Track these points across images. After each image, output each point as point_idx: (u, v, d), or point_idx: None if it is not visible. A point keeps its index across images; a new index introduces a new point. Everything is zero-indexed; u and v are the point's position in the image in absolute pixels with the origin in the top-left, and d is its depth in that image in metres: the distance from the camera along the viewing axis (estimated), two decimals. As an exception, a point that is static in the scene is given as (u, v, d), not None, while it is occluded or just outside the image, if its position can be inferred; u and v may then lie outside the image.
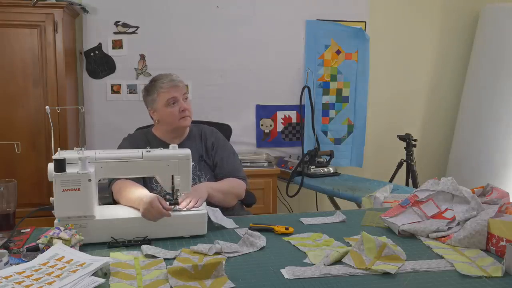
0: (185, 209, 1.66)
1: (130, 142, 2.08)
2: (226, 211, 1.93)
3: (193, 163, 1.99)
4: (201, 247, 1.49)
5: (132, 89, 3.27)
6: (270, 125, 3.54)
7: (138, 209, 1.62)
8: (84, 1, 3.11)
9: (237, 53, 3.38)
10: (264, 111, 3.52)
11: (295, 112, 3.56)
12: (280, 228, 1.68)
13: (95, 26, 3.15)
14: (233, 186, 2.02)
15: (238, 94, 3.43)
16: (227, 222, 1.74)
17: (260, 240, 1.55)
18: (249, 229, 1.64)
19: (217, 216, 1.74)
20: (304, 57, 3.50)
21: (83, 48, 3.17)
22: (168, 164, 1.69)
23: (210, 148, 2.11)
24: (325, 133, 3.65)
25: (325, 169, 3.28)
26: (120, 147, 2.08)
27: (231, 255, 1.46)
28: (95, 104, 3.21)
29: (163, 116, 2.05)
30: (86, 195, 1.52)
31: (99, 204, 1.71)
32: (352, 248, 1.44)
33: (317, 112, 3.55)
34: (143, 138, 2.11)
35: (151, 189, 1.97)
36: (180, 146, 1.85)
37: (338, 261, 1.40)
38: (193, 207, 1.68)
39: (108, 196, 1.98)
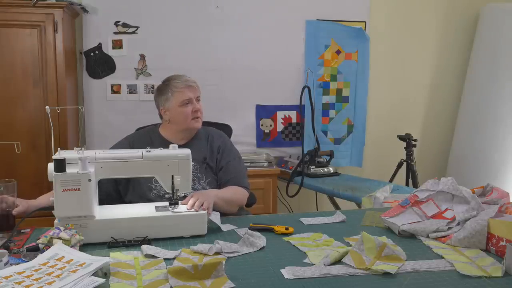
0: (192, 209, 1.66)
1: (129, 141, 2.07)
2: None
3: (195, 164, 1.99)
4: (201, 247, 1.49)
5: (132, 89, 3.26)
6: (270, 125, 3.54)
7: None
8: (84, 1, 3.11)
9: (237, 53, 3.38)
10: (264, 111, 3.52)
11: (295, 112, 3.56)
12: (280, 228, 1.68)
13: (95, 26, 3.15)
14: (236, 195, 2.00)
15: (238, 94, 3.43)
16: (223, 225, 1.74)
17: (260, 240, 1.55)
18: (249, 229, 1.64)
19: (217, 218, 1.74)
20: (304, 57, 3.50)
21: (83, 48, 3.17)
22: (168, 164, 1.69)
23: (215, 151, 2.09)
24: (325, 133, 3.65)
25: (325, 169, 3.28)
26: (117, 144, 2.08)
27: (231, 255, 1.46)
28: (95, 104, 3.21)
29: (176, 116, 2.04)
30: (86, 195, 1.52)
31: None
32: (352, 248, 1.44)
33: (317, 112, 3.55)
34: (146, 137, 2.10)
35: (149, 189, 1.98)
36: (186, 147, 1.84)
37: (338, 261, 1.40)
38: (200, 208, 1.67)
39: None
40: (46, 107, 1.66)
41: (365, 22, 3.58)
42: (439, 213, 1.69)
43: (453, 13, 3.81)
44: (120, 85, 3.24)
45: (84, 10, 3.07)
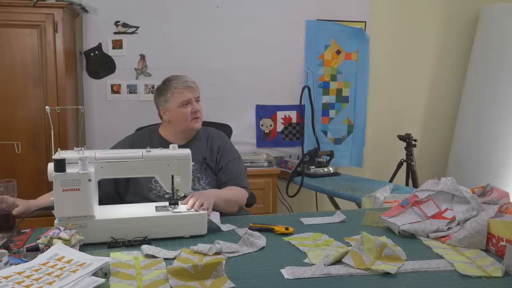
0: (192, 209, 1.66)
1: (129, 142, 2.08)
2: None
3: (195, 164, 1.99)
4: (201, 247, 1.49)
5: (132, 89, 3.26)
6: (270, 125, 3.54)
7: None
8: (84, 1, 3.11)
9: (237, 53, 3.38)
10: (264, 111, 3.52)
11: (295, 112, 3.56)
12: (280, 228, 1.68)
13: (95, 26, 3.15)
14: (236, 195, 2.00)
15: (238, 94, 3.43)
16: (223, 226, 1.74)
17: (260, 240, 1.55)
18: (249, 229, 1.64)
19: (217, 218, 1.74)
20: (304, 57, 3.50)
21: (83, 48, 3.17)
22: (168, 164, 1.69)
23: (215, 151, 2.09)
24: (325, 133, 3.65)
25: (325, 169, 3.28)
26: (118, 144, 2.08)
27: (231, 255, 1.46)
28: (95, 104, 3.21)
29: (175, 117, 2.04)
30: (86, 195, 1.52)
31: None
32: (352, 248, 1.44)
33: (317, 112, 3.55)
34: (146, 137, 2.10)
35: (149, 189, 1.98)
36: (185, 147, 1.84)
37: (338, 261, 1.40)
38: (200, 208, 1.67)
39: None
40: (46, 107, 1.66)
41: (365, 22, 3.59)
42: (439, 213, 1.69)
43: (453, 13, 3.82)
44: (120, 85, 3.25)
45: (84, 10, 3.07)
